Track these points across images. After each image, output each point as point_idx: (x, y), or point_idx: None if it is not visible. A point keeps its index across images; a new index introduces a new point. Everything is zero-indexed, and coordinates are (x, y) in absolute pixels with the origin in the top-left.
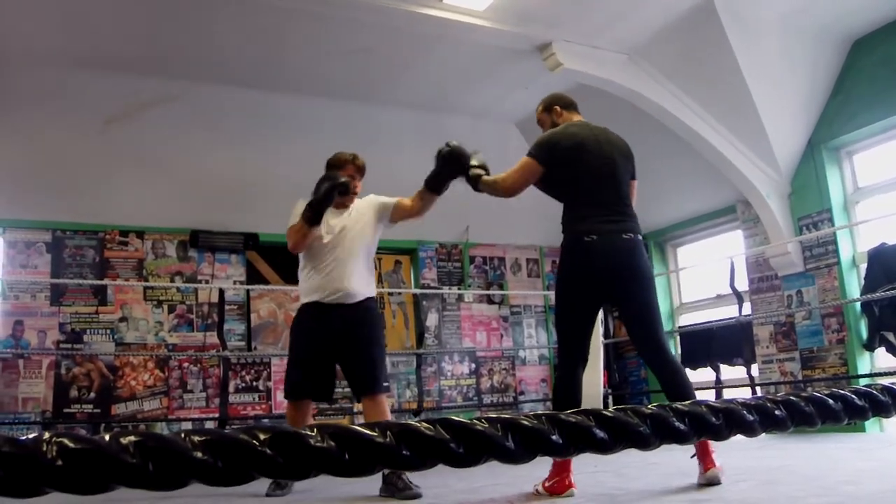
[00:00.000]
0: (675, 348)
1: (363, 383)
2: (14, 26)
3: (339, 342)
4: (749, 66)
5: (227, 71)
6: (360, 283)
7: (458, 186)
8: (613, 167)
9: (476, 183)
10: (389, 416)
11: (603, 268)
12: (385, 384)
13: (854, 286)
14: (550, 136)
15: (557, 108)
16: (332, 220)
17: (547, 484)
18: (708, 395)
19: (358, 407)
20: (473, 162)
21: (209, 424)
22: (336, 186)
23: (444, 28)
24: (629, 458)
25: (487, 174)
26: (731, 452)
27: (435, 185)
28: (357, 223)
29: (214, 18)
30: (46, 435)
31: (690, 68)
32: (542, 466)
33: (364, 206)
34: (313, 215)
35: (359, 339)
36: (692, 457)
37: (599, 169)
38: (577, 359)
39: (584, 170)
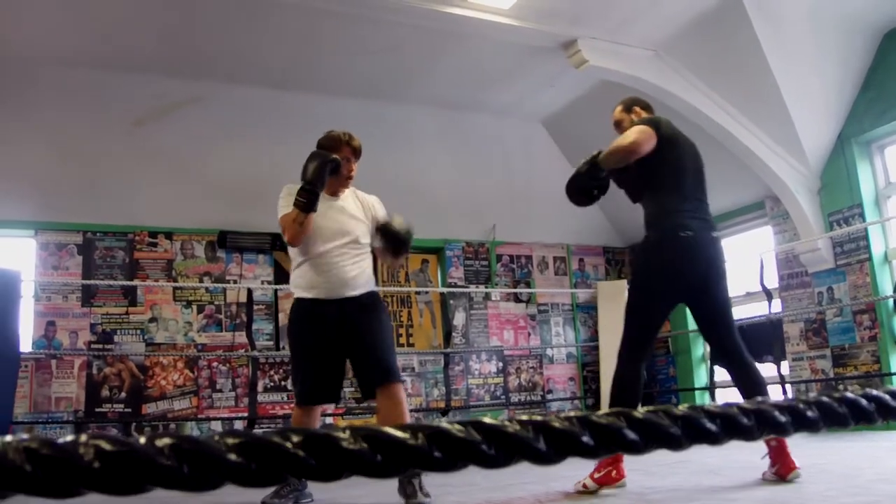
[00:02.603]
0: (703, 346)
1: (377, 373)
2: (42, 30)
3: (343, 335)
4: (777, 60)
5: (255, 72)
6: (362, 278)
7: (481, 187)
8: (701, 166)
9: (597, 169)
10: (407, 409)
11: (696, 264)
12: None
13: (886, 282)
14: (653, 117)
15: (637, 108)
16: (327, 208)
17: (596, 475)
18: (737, 394)
19: None
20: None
21: (238, 424)
22: (326, 164)
23: (469, 26)
24: (658, 457)
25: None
26: (761, 451)
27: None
28: (356, 213)
29: (241, 19)
30: (83, 437)
31: (717, 63)
32: (570, 465)
33: (366, 202)
34: (308, 200)
35: (366, 326)
36: (763, 457)
37: (691, 166)
38: (643, 355)
39: (679, 163)
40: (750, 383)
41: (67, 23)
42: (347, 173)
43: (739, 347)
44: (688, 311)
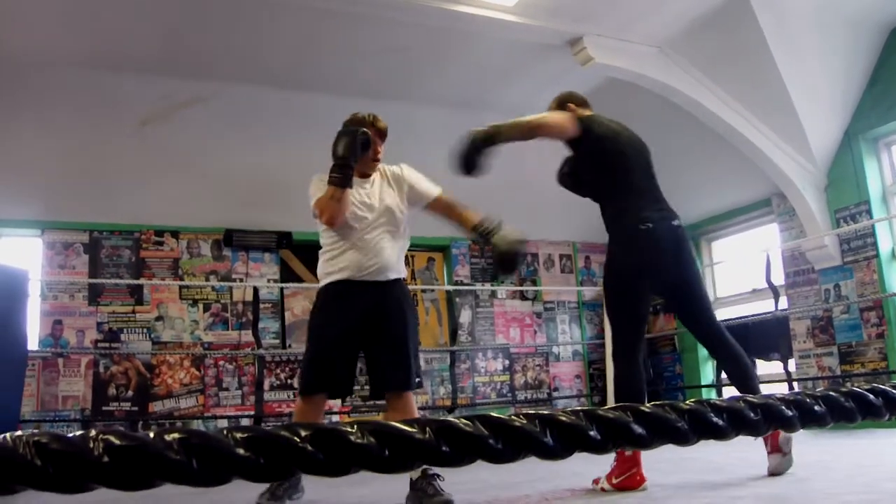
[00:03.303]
0: None
1: (395, 378)
2: (48, 32)
3: (369, 325)
4: (783, 57)
5: (261, 71)
6: (394, 260)
7: (487, 185)
8: (648, 158)
9: (492, 143)
10: (417, 416)
11: (663, 255)
12: (418, 379)
13: (894, 279)
14: (589, 115)
15: (571, 105)
16: (358, 189)
17: (615, 480)
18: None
19: None
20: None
21: (245, 422)
22: (357, 138)
23: (474, 24)
24: (664, 454)
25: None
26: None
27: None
28: (387, 194)
29: (247, 19)
30: (93, 432)
31: (723, 60)
32: (577, 462)
33: (396, 175)
34: (343, 175)
35: (394, 323)
36: (756, 439)
37: (637, 159)
38: (638, 350)
39: (624, 159)
40: (739, 369)
41: (73, 25)
42: (374, 155)
43: (724, 333)
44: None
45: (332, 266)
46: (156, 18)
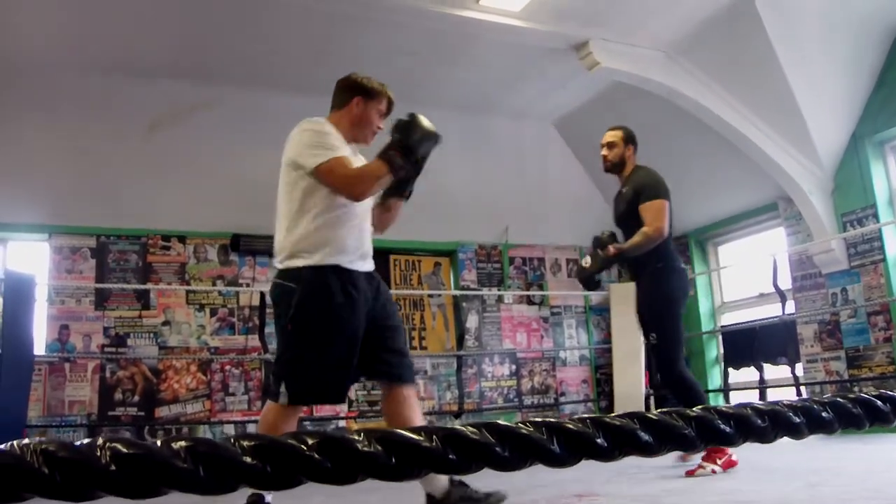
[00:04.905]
0: (717, 348)
1: (403, 370)
2: (56, 36)
3: (371, 320)
4: (789, 60)
5: (268, 75)
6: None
7: (493, 189)
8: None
9: (615, 260)
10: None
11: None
12: None
13: None
14: (659, 179)
15: (632, 147)
16: (356, 159)
17: (720, 461)
18: (752, 396)
19: None
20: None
21: (251, 427)
22: (436, 143)
23: (480, 29)
24: (669, 458)
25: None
26: (775, 452)
27: (399, 189)
28: None
29: (255, 23)
30: (100, 440)
31: (729, 64)
32: (586, 470)
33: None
34: (407, 168)
35: (395, 313)
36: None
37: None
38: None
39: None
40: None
41: (81, 29)
42: (377, 129)
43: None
44: (701, 313)
45: (332, 234)
46: (164, 23)
